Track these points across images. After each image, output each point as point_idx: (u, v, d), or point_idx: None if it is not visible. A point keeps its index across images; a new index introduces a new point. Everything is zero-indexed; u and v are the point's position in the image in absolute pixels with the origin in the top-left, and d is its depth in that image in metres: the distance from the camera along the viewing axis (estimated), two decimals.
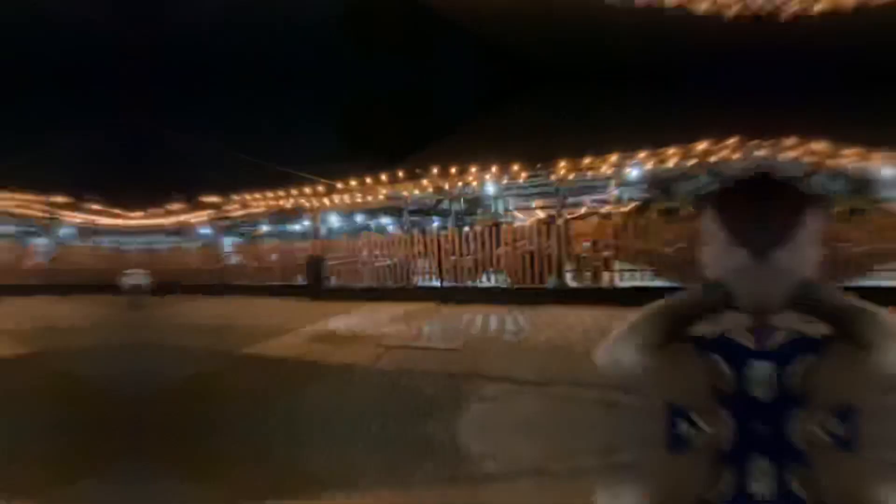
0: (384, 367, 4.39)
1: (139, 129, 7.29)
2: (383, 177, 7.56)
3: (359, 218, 19.84)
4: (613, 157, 6.73)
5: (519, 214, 17.51)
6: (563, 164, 6.98)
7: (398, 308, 7.42)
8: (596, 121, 7.68)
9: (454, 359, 4.52)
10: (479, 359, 4.45)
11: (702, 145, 6.09)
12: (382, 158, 8.16)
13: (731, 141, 5.76)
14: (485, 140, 8.44)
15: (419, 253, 8.26)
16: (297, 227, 22.78)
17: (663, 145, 6.34)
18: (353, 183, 7.80)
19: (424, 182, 7.89)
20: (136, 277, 9.87)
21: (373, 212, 15.22)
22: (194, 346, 5.71)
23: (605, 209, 8.97)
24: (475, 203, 12.65)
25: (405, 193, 8.76)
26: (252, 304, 9.18)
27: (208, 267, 12.15)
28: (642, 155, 6.58)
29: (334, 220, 17.09)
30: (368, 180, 7.73)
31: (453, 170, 7.30)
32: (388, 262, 8.61)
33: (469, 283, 7.84)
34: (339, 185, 7.67)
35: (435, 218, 19.61)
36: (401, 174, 7.59)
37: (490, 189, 9.80)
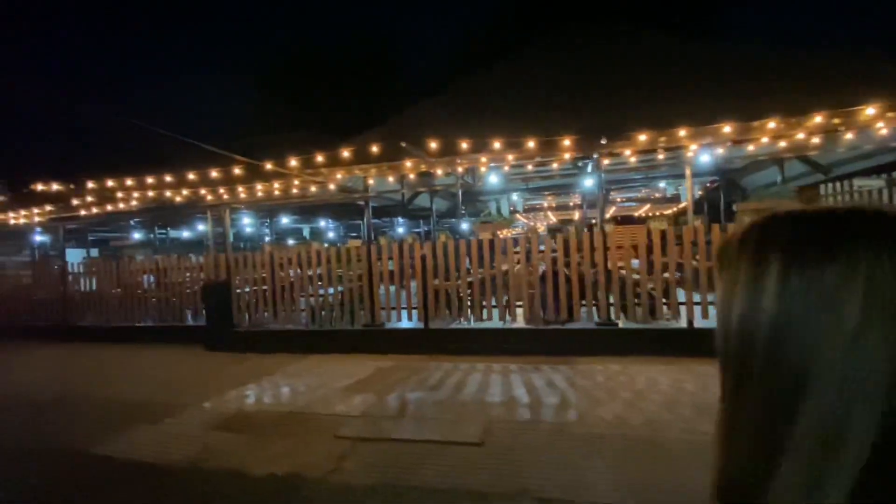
0: (352, 482, 3.38)
1: None
2: (345, 153, 6.46)
3: (284, 220, 18.51)
4: (684, 132, 6.17)
5: (521, 217, 16.97)
6: (642, 135, 6.23)
7: (361, 364, 6.41)
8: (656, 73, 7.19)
9: (474, 462, 3.59)
10: (517, 461, 3.56)
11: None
12: (332, 131, 7.18)
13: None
14: (487, 103, 7.73)
15: (388, 274, 7.29)
16: (184, 235, 21.04)
17: (759, 117, 5.88)
18: (292, 163, 6.68)
19: (405, 163, 6.91)
20: None
21: (311, 211, 13.95)
22: (5, 441, 4.44)
23: (666, 210, 8.48)
24: (468, 198, 11.92)
25: (370, 181, 7.78)
26: (111, 359, 7.75)
27: (42, 296, 10.46)
28: (727, 130, 6.06)
29: (248, 224, 15.71)
30: (320, 158, 6.63)
31: (434, 145, 6.38)
32: (339, 288, 7.56)
33: (466, 323, 6.96)
34: (268, 167, 6.55)
35: (399, 222, 18.66)
36: (371, 149, 6.55)
37: (492, 179, 9.04)
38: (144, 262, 9.30)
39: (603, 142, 6.27)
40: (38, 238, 18.55)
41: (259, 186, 7.34)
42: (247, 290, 8.19)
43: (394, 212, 12.99)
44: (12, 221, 9.69)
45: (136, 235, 16.93)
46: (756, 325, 0.40)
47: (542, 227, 17.10)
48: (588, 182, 9.12)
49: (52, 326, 9.95)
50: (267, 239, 17.90)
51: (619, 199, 14.87)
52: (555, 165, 8.33)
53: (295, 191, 7.76)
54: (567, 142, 6.33)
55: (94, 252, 18.74)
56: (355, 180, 8.64)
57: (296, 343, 7.42)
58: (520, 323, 6.82)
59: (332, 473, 3.51)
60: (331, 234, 20.30)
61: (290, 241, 19.08)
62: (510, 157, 6.91)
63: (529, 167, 8.32)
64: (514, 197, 12.98)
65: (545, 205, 15.59)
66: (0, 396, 5.99)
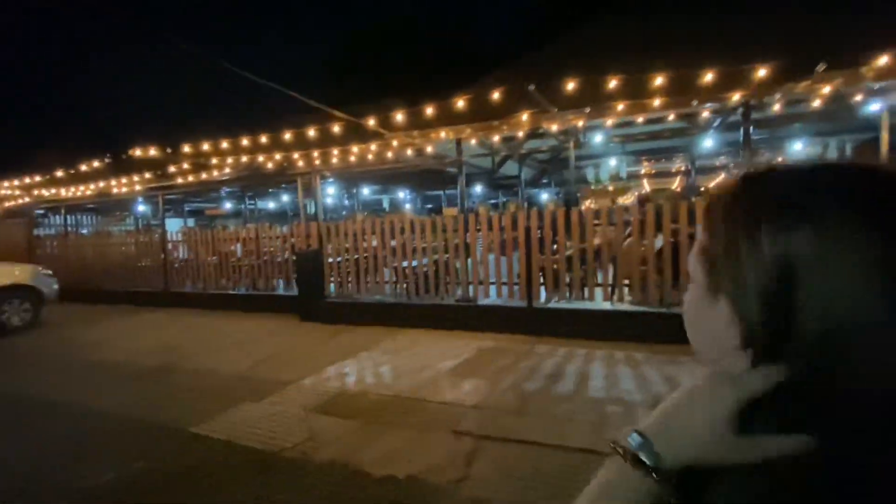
0: (489, 499, 2.75)
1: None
2: (459, 102, 5.57)
3: (365, 192, 18.32)
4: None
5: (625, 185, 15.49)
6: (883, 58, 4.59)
7: (460, 343, 5.80)
8: None
9: None
10: None
11: None
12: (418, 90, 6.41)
13: None
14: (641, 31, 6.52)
15: (488, 246, 6.57)
16: (270, 206, 21.49)
17: None
18: (398, 118, 5.91)
19: (521, 117, 5.85)
20: (31, 274, 8.55)
21: (395, 180, 13.48)
22: (104, 412, 4.25)
23: None
24: (560, 165, 10.86)
25: (471, 140, 6.96)
26: (209, 326, 7.71)
27: (145, 263, 10.82)
28: None
29: (330, 196, 15.58)
30: (430, 110, 5.77)
31: (571, 86, 5.24)
32: (434, 257, 6.96)
33: (576, 302, 6.12)
34: (370, 122, 5.86)
35: (477, 193, 17.84)
36: (489, 96, 5.54)
37: (597, 139, 7.96)
38: (238, 231, 9.22)
39: (820, 68, 4.79)
40: (140, 208, 19.70)
41: (354, 149, 6.79)
42: (337, 259, 7.83)
43: (478, 180, 12.19)
44: (115, 190, 9.97)
45: (228, 205, 17.47)
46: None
47: (630, 197, 15.57)
48: (707, 142, 7.84)
49: (154, 292, 10.24)
50: (346, 211, 17.81)
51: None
52: (671, 117, 7.04)
53: (390, 154, 7.15)
54: (763, 71, 4.95)
55: (191, 222, 19.63)
56: (445, 146, 7.92)
57: (387, 316, 6.95)
58: (629, 304, 5.88)
59: (461, 484, 2.90)
60: (407, 206, 19.93)
61: (367, 214, 18.91)
62: (656, 102, 5.55)
63: (640, 120, 6.98)
64: (614, 162, 11.70)
65: (643, 171, 14.10)
66: (110, 362, 5.98)
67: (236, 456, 3.36)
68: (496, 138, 6.98)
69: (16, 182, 9.54)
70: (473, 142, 7.69)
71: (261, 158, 7.20)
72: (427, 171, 9.57)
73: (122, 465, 3.30)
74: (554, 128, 6.57)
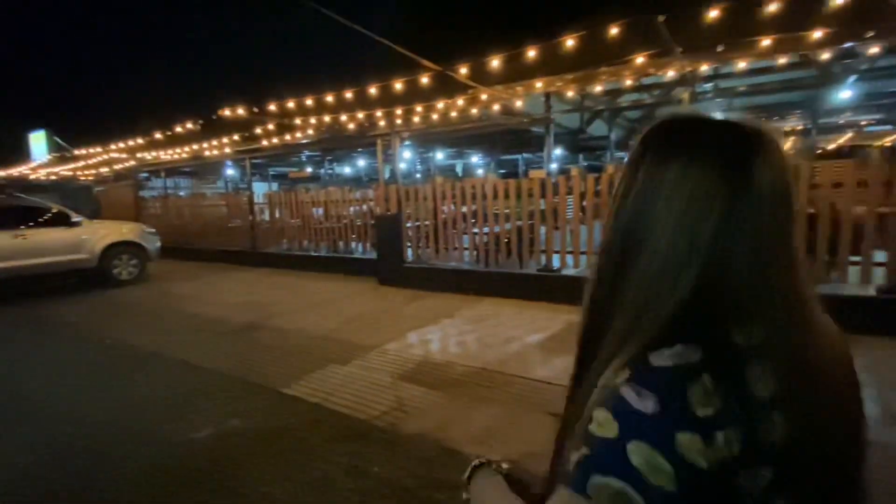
0: None
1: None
2: (569, 41, 4.88)
3: (439, 156, 17.99)
4: None
5: None
6: None
7: (545, 315, 5.43)
8: None
9: None
10: None
11: None
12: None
13: None
14: None
15: (580, 211, 6.05)
16: (346, 170, 21.78)
17: None
18: (493, 63, 5.27)
19: (636, 59, 4.98)
20: (137, 231, 9.20)
21: (472, 142, 13.00)
22: (200, 367, 4.35)
23: None
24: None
25: (568, 92, 6.31)
26: (293, 286, 7.87)
27: (234, 224, 11.33)
28: None
29: (403, 160, 15.39)
30: (532, 52, 5.05)
31: (715, 14, 4.21)
32: (518, 223, 6.55)
33: None
34: (462, 70, 5.34)
35: (555, 156, 16.84)
36: (605, 33, 4.72)
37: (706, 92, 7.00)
38: (320, 194, 9.29)
39: None
40: (229, 171, 20.74)
41: (439, 105, 6.40)
42: (415, 224, 7.64)
43: (559, 142, 11.42)
44: (207, 153, 10.37)
45: (308, 169, 17.94)
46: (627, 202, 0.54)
47: None
48: (845, 94, 6.62)
49: (242, 252, 10.70)
50: (419, 176, 17.62)
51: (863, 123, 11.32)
52: (780, 61, 5.87)
53: (475, 111, 6.68)
54: None
55: (275, 186, 20.43)
56: (533, 104, 7.33)
57: (466, 282, 6.68)
58: None
59: None
60: (480, 172, 19.41)
61: (444, 179, 18.59)
62: (816, 35, 4.40)
63: (741, 64, 5.87)
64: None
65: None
66: (206, 317, 6.22)
67: (327, 420, 3.26)
68: (597, 88, 6.28)
69: (122, 145, 10.18)
70: (569, 94, 6.93)
71: (343, 118, 7.01)
72: (509, 131, 9.04)
73: (218, 421, 3.31)
74: (670, 73, 5.75)
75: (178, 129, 8.03)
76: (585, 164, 19.02)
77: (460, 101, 6.21)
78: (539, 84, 5.88)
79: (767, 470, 0.44)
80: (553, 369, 3.91)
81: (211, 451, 2.97)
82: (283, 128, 7.66)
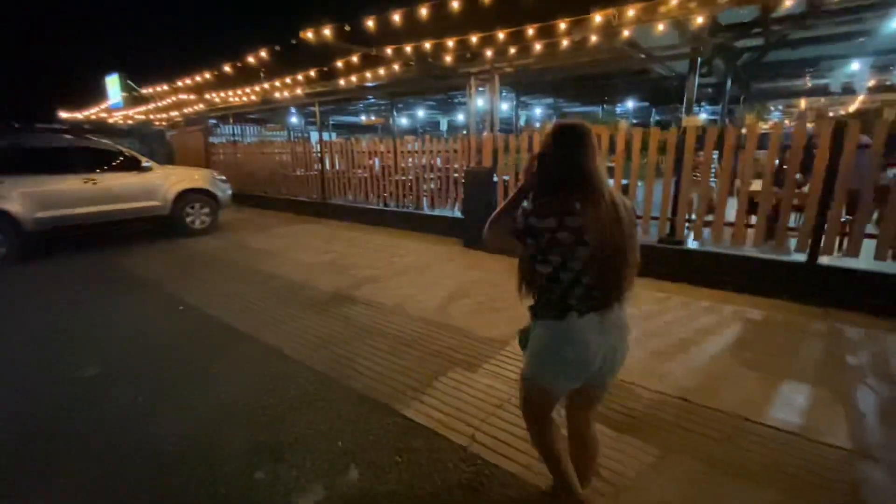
0: None
1: None
2: None
3: (533, 105, 15.84)
4: None
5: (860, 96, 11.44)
6: None
7: (703, 304, 4.00)
8: None
9: None
10: None
11: None
12: None
13: None
14: None
15: (745, 170, 4.42)
16: (403, 121, 19.96)
17: None
18: None
19: None
20: (208, 178, 8.18)
21: (577, 86, 10.79)
22: (288, 357, 3.26)
23: None
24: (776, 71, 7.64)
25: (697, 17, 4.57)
26: (372, 244, 6.67)
27: (301, 172, 10.17)
28: None
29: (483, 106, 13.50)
30: None
31: None
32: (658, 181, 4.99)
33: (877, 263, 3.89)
34: None
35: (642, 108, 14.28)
36: None
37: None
38: (397, 143, 7.88)
39: None
40: (293, 119, 19.48)
41: (562, 26, 4.67)
42: (504, 179, 6.18)
43: (664, 88, 9.35)
44: (276, 94, 9.06)
45: (370, 117, 16.48)
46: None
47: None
48: None
49: (311, 202, 9.60)
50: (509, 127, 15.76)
51: None
52: None
53: (595, 38, 4.94)
54: None
55: (334, 136, 19.08)
56: (655, 39, 5.50)
57: None
58: None
59: None
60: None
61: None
62: None
63: None
64: (856, 66, 8.20)
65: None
66: (285, 280, 5.14)
67: (487, 482, 2.05)
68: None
69: (189, 82, 8.95)
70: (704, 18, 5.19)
71: (427, 46, 5.40)
72: (627, 73, 7.23)
73: (329, 470, 2.17)
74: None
75: (251, 59, 6.68)
76: (658, 117, 16.57)
77: (598, 17, 4.45)
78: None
79: (568, 235, 1.35)
80: (772, 399, 2.53)
81: None
82: (367, 61, 6.12)
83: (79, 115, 16.13)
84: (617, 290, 1.40)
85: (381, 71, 6.68)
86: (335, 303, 4.30)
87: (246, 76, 7.83)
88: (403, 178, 7.92)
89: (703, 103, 13.51)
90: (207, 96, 10.30)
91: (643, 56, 5.73)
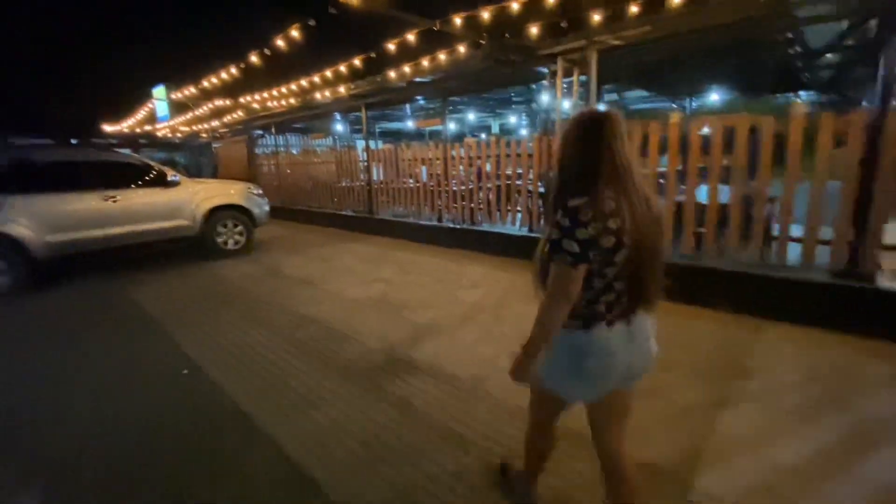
0: None
1: None
2: None
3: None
4: None
5: None
6: None
7: (830, 350, 2.35)
8: None
9: None
10: None
11: None
12: None
13: None
14: None
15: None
16: (450, 125, 18.79)
17: None
18: None
19: None
20: (243, 193, 7.27)
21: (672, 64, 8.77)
22: (341, 487, 1.96)
23: None
24: None
25: None
26: (431, 270, 5.40)
27: (345, 184, 9.15)
28: None
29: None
30: None
31: None
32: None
33: None
34: None
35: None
36: None
37: None
38: (459, 148, 6.61)
39: None
40: (338, 127, 18.81)
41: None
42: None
43: (785, 68, 7.50)
44: (318, 96, 8.06)
45: (410, 124, 15.47)
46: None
47: None
48: None
49: (357, 217, 8.53)
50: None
51: None
52: None
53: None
54: None
55: (379, 143, 18.24)
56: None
57: (702, 289, 3.76)
58: None
59: None
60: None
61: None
62: None
63: None
64: None
65: None
66: (324, 329, 3.97)
67: None
68: None
69: (223, 76, 8.01)
70: None
71: (515, 5, 4.03)
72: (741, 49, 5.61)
73: None
74: None
75: (281, 42, 5.59)
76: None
77: None
78: None
79: (611, 238, 1.14)
80: None
81: None
82: (425, 41, 4.86)
83: (125, 129, 16.16)
84: (651, 295, 1.27)
85: (443, 55, 5.44)
86: (388, 371, 3.04)
87: (282, 68, 6.81)
88: (463, 187, 6.64)
89: (805, 89, 11.37)
90: (243, 100, 9.51)
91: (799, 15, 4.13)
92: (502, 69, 5.25)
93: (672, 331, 3.27)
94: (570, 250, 1.12)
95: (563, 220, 1.13)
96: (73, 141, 18.87)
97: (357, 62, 6.10)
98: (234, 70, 7.49)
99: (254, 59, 6.29)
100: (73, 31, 21.65)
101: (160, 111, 14.92)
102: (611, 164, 1.16)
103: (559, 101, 4.86)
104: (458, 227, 6.60)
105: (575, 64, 4.70)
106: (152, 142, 20.03)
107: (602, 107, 1.22)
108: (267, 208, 7.36)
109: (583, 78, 4.85)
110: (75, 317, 4.43)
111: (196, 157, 17.06)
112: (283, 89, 8.22)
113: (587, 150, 1.19)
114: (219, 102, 9.78)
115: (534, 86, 9.66)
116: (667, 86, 10.72)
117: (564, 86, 4.92)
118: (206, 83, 8.57)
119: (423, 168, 7.36)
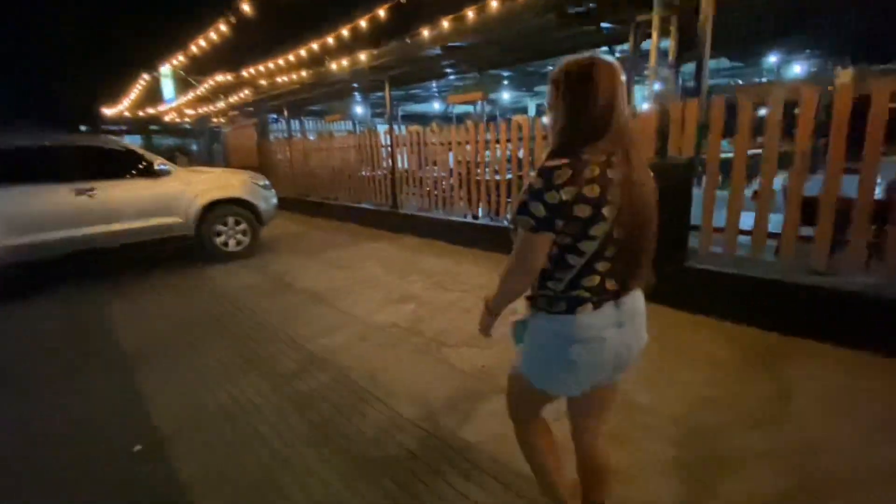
0: None
1: None
2: None
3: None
4: None
5: None
6: None
7: None
8: None
9: None
10: None
11: None
12: None
13: None
14: None
15: None
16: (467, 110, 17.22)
17: None
18: None
19: None
20: (244, 184, 6.28)
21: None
22: None
23: None
24: None
25: None
26: (460, 277, 4.33)
27: (366, 173, 8.07)
28: None
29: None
30: None
31: None
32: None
33: None
34: None
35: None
36: None
37: None
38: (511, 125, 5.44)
39: None
40: (358, 109, 17.71)
41: None
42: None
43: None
44: (334, 66, 6.92)
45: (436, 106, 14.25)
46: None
47: None
48: None
49: (378, 211, 7.48)
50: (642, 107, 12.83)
51: None
52: None
53: None
54: None
55: (401, 128, 17.09)
56: None
57: (799, 308, 2.57)
58: None
59: None
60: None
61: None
62: None
63: None
64: None
65: None
66: (337, 370, 2.94)
67: None
68: None
69: (216, 36, 7.00)
70: None
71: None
72: None
73: None
74: None
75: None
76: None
77: None
78: None
79: (588, 208, 0.99)
80: None
81: None
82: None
83: (127, 113, 15.41)
84: (641, 273, 1.14)
85: (494, 2, 4.21)
86: (431, 467, 1.96)
87: (290, 23, 5.66)
88: (510, 177, 5.48)
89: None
90: (247, 73, 8.43)
91: None
92: (568, 24, 4.04)
93: (825, 390, 2.09)
94: (536, 213, 1.02)
95: (536, 181, 1.02)
96: (83, 128, 18.26)
97: (381, 13, 4.91)
98: (232, 21, 6.32)
99: (245, 7, 5.17)
100: (67, 11, 20.93)
101: (166, 93, 14.05)
102: (601, 122, 1.01)
103: (653, 67, 3.61)
104: (500, 225, 5.46)
105: (673, 12, 3.45)
106: (164, 128, 19.32)
107: (607, 57, 1.02)
108: (274, 201, 6.35)
109: (664, 44, 3.64)
110: (25, 348, 3.50)
111: (209, 144, 16.24)
112: (292, 57, 7.11)
113: (573, 105, 1.03)
114: (220, 78, 8.74)
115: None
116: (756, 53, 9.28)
117: (645, 52, 3.70)
118: (203, 42, 7.50)
119: (451, 154, 6.21)
